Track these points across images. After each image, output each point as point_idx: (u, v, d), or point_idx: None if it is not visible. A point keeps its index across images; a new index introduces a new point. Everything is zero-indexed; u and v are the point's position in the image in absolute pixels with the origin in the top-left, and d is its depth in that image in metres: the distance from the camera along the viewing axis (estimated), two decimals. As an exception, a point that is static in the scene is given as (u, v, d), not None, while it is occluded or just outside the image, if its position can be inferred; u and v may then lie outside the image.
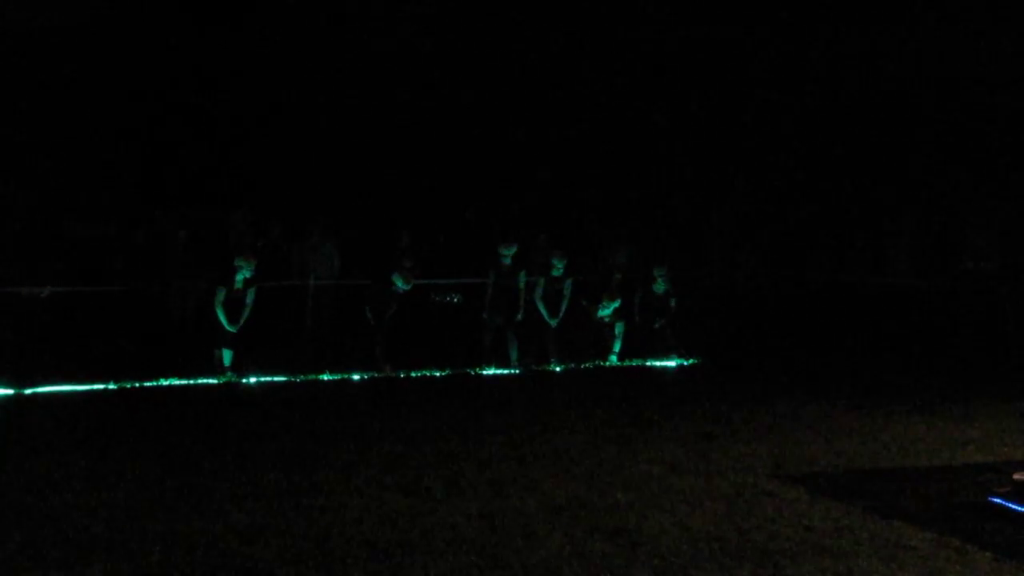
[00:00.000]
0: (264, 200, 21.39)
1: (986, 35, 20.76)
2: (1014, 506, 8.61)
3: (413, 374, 16.15)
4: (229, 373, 15.60)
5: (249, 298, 15.87)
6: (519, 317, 17.18)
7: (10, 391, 14.22)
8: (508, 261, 17.20)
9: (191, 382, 15.17)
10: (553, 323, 17.45)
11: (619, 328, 17.82)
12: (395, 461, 10.42)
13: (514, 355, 17.06)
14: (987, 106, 21.32)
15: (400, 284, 16.38)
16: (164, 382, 15.04)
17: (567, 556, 7.46)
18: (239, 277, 15.79)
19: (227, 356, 15.78)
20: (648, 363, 17.63)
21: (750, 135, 23.56)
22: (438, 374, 16.25)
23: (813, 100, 23.28)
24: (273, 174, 22.97)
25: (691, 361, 17.68)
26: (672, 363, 17.59)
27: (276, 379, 15.53)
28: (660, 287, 18.05)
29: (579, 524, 8.27)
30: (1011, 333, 18.45)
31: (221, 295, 15.74)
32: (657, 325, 18.06)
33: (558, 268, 17.44)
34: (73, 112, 21.96)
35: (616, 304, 17.72)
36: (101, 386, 14.62)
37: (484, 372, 16.60)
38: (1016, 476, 9.00)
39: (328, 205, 21.13)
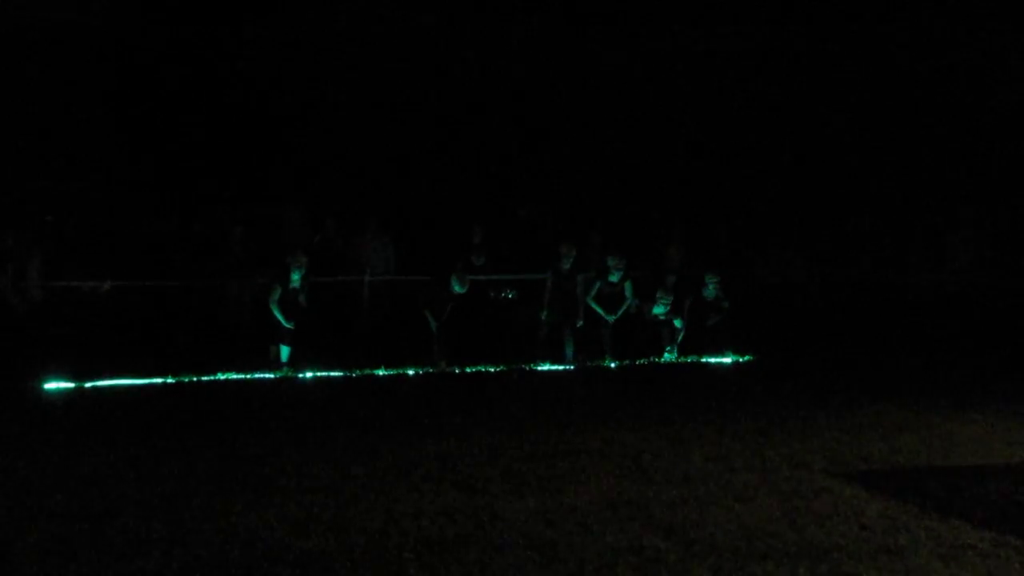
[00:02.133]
0: (320, 196, 21.53)
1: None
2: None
3: (468, 369, 16.19)
4: (286, 368, 15.73)
5: (302, 296, 15.97)
6: (579, 323, 17.22)
7: (71, 385, 14.41)
8: (568, 265, 17.23)
9: (248, 377, 15.30)
10: (611, 319, 17.44)
11: (678, 323, 17.80)
12: (450, 456, 10.47)
13: (569, 352, 17.06)
14: None
15: (456, 287, 16.42)
16: (221, 377, 15.17)
17: (623, 552, 7.47)
18: (294, 276, 15.91)
19: (284, 352, 15.90)
20: (703, 360, 17.58)
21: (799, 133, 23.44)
22: (492, 370, 16.28)
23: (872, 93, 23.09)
24: (329, 169, 23.12)
25: (746, 358, 17.61)
26: (727, 360, 17.53)
27: (332, 374, 15.62)
28: (711, 293, 18.02)
29: (634, 520, 8.28)
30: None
31: (277, 293, 15.85)
32: (710, 323, 18.01)
33: (615, 274, 17.44)
34: (131, 107, 22.21)
35: (669, 300, 17.70)
36: (159, 380, 14.77)
37: (538, 368, 16.63)
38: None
39: (384, 200, 21.25)
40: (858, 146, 23.77)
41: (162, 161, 22.09)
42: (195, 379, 14.93)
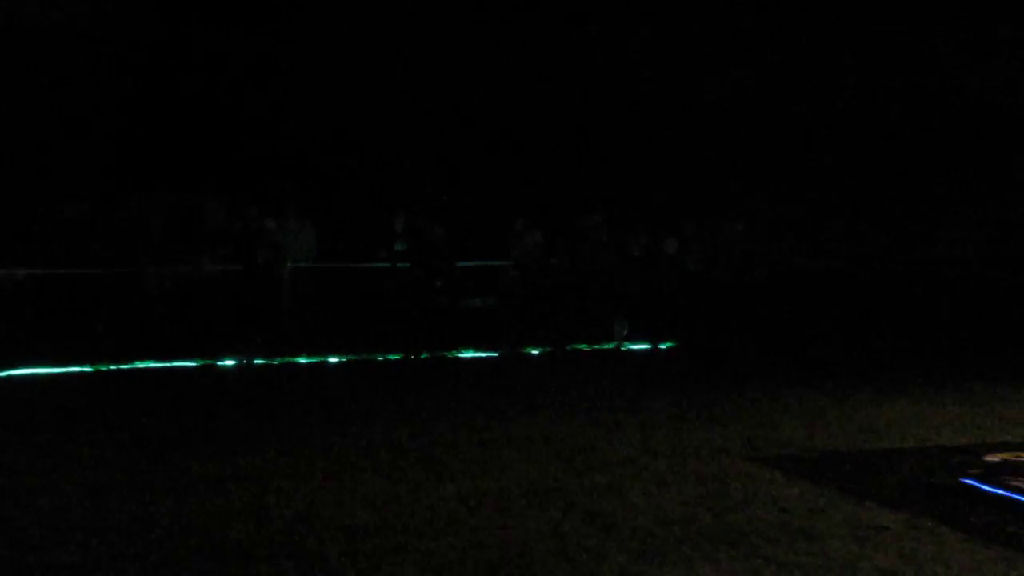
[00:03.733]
0: (241, 183, 21.33)
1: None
2: (986, 487, 8.68)
3: (392, 357, 16.16)
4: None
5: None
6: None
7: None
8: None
9: (167, 365, 15.14)
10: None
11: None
12: (372, 443, 10.44)
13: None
14: None
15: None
16: (140, 365, 15.01)
17: (543, 537, 7.48)
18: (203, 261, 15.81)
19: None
20: (624, 347, 17.66)
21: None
22: (416, 357, 16.26)
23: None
24: (250, 157, 22.89)
25: (668, 345, 17.73)
26: (646, 346, 17.63)
27: (253, 362, 15.51)
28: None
29: (556, 506, 8.29)
30: (992, 317, 18.59)
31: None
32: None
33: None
34: (46, 93, 21.85)
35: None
36: (77, 368, 14.58)
37: (460, 355, 16.62)
38: (988, 458, 9.10)
39: (305, 187, 21.09)
40: (788, 137, 23.96)
41: (80, 147, 21.75)
42: (113, 367, 14.76)
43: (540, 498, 8.51)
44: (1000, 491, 8.55)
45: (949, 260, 21.25)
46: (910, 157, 22.95)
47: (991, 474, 8.84)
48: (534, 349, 17.16)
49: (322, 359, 15.82)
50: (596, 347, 17.65)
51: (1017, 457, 9.05)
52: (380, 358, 16.08)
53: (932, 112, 22.90)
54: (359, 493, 8.63)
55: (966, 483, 8.86)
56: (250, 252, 17.00)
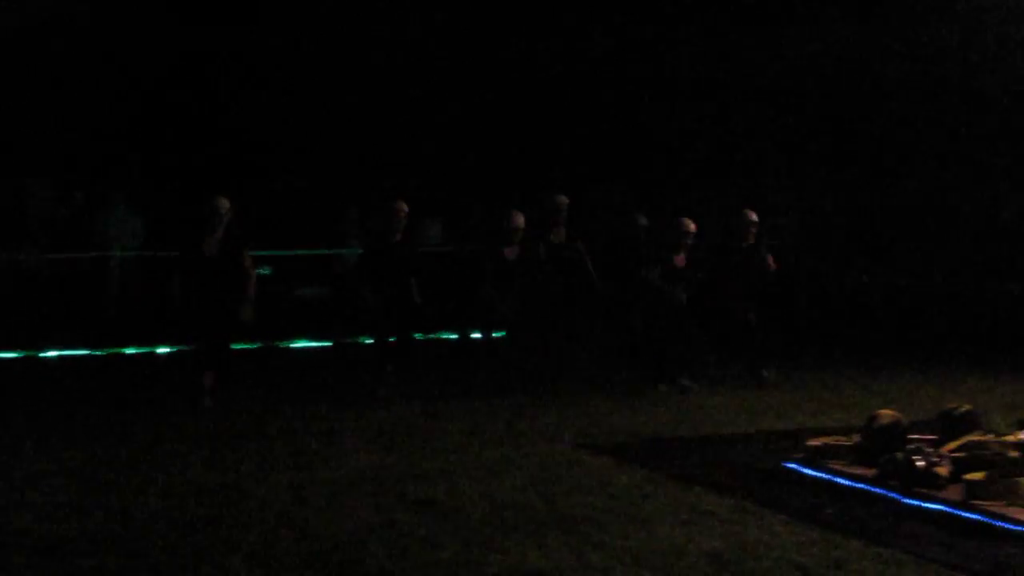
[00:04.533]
0: (67, 168, 20.71)
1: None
2: (807, 471, 8.92)
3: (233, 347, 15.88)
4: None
5: None
6: None
7: None
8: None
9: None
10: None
11: None
12: (200, 434, 10.28)
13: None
14: None
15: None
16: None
17: (375, 527, 7.45)
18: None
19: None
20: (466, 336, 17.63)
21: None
22: (246, 347, 16.04)
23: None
24: (77, 141, 22.23)
25: (502, 334, 17.77)
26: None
27: (77, 352, 15.12)
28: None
29: (387, 495, 8.27)
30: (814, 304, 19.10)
31: None
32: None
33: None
34: None
35: None
36: None
37: (292, 345, 16.44)
38: (809, 443, 9.34)
39: (133, 174, 20.60)
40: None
41: None
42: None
43: (373, 487, 8.47)
44: (821, 474, 8.80)
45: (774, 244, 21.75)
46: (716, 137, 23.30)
47: (812, 458, 9.08)
48: (367, 339, 17.02)
49: (150, 349, 15.49)
50: (437, 336, 17.60)
51: (837, 441, 9.31)
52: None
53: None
54: (186, 485, 8.48)
55: (789, 467, 9.10)
56: (80, 239, 16.56)
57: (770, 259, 13.45)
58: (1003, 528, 7.42)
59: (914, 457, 8.25)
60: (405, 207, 12.73)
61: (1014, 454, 8.52)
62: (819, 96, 22.22)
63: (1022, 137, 19.35)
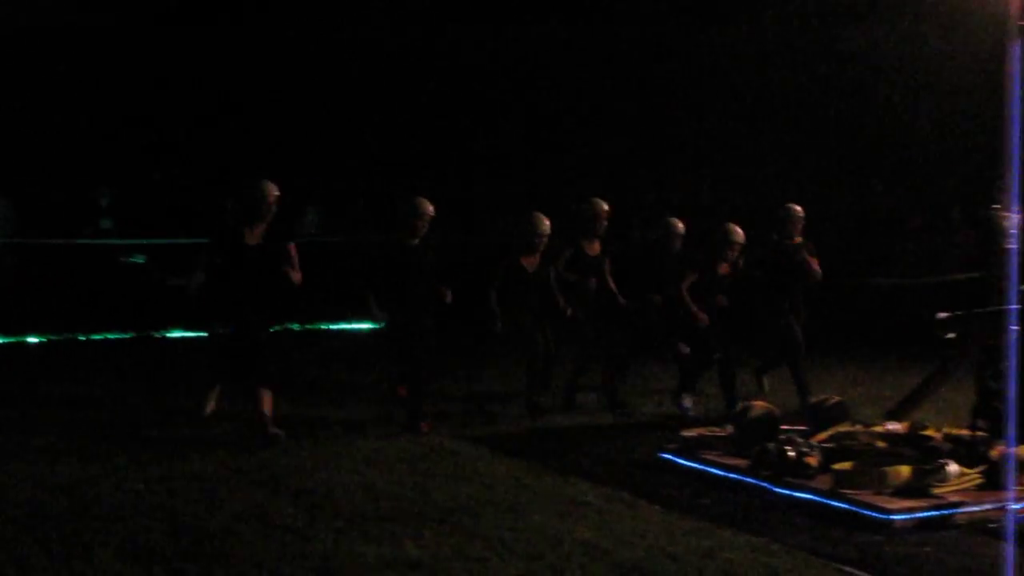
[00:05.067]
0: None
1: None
2: (681, 461, 9.03)
3: (94, 336, 15.61)
4: None
5: None
6: None
7: None
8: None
9: None
10: None
11: None
12: (69, 426, 10.08)
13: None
14: None
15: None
16: None
17: (248, 518, 7.37)
18: None
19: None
20: (335, 326, 17.54)
21: None
22: (118, 337, 15.78)
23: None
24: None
25: (380, 325, 17.69)
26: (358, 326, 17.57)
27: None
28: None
29: (261, 486, 8.19)
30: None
31: None
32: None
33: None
34: None
35: None
36: None
37: (166, 335, 16.19)
38: (684, 433, 9.45)
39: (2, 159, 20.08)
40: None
41: None
42: None
43: (247, 479, 8.39)
44: (695, 464, 8.91)
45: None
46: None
47: (687, 448, 9.19)
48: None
49: (20, 339, 15.14)
50: (314, 326, 17.47)
51: (711, 432, 9.44)
52: (83, 338, 15.49)
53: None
54: (55, 478, 8.30)
55: (664, 457, 9.20)
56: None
57: (815, 260, 12.04)
58: (869, 516, 7.59)
59: (785, 447, 8.39)
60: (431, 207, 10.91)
61: (881, 444, 8.72)
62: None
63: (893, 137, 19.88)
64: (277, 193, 10.08)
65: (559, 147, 23.41)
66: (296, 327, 17.31)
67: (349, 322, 17.72)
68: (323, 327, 17.54)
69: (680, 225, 12.20)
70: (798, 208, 12.05)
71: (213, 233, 10.24)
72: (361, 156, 23.72)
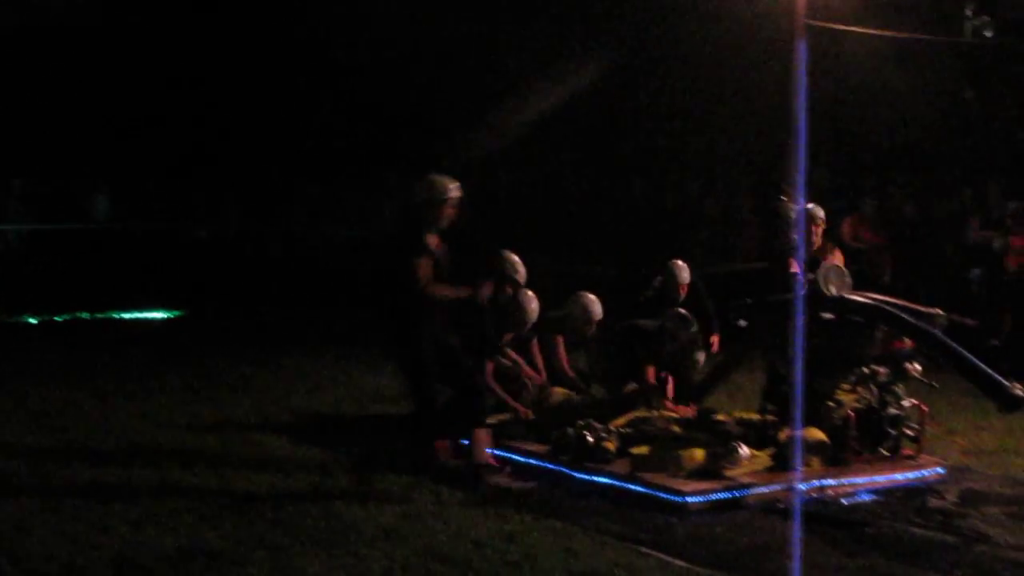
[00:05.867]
0: None
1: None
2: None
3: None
4: None
5: None
6: None
7: None
8: None
9: None
10: None
11: None
12: None
13: None
14: None
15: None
16: None
17: (41, 512, 7.17)
18: None
19: None
20: (125, 315, 17.06)
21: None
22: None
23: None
24: None
25: (175, 313, 17.37)
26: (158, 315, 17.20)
27: None
28: None
29: (54, 479, 7.98)
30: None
31: None
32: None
33: None
34: None
35: None
36: None
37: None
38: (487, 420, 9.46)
39: None
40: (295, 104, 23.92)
41: None
42: None
43: (39, 472, 8.17)
44: (497, 451, 8.95)
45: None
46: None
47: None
48: (32, 318, 16.30)
49: None
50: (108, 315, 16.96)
51: (514, 418, 9.51)
52: None
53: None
54: None
55: (466, 444, 9.24)
56: None
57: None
58: (665, 499, 7.80)
59: (584, 433, 8.55)
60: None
61: (676, 429, 8.96)
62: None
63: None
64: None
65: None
66: (87, 316, 16.82)
67: (143, 311, 17.27)
68: (115, 315, 17.07)
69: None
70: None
71: None
72: (152, 141, 23.15)
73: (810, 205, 9.71)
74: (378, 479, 8.26)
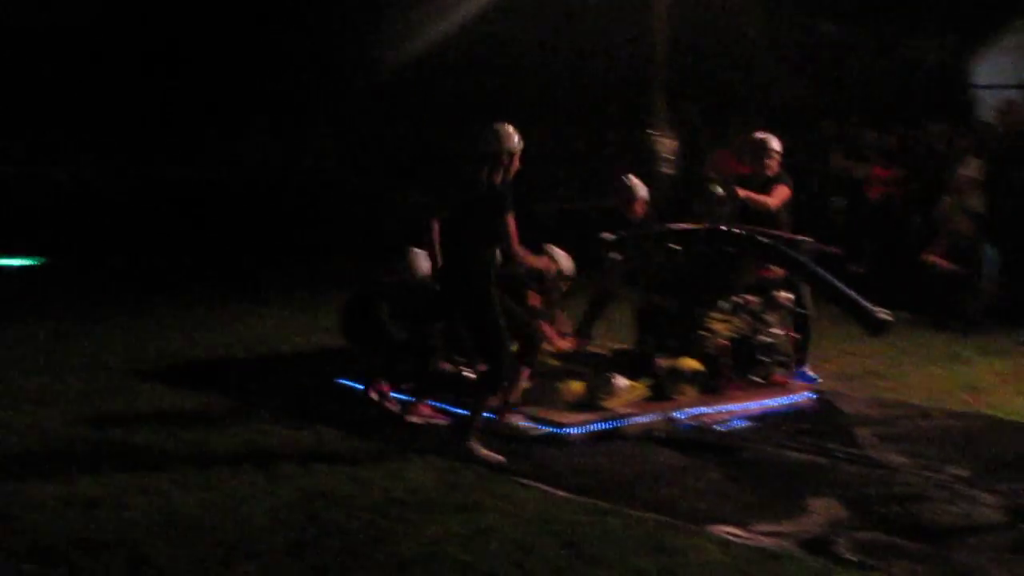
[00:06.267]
0: None
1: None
2: (356, 385, 9.06)
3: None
4: None
5: None
6: None
7: None
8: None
9: None
10: None
11: None
12: None
13: None
14: None
15: None
16: None
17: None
18: None
19: None
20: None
21: None
22: None
23: None
24: None
25: (38, 260, 16.92)
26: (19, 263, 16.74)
27: None
28: None
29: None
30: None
31: None
32: None
33: None
34: None
35: None
36: None
37: None
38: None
39: None
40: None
41: None
42: None
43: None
44: (358, 385, 8.90)
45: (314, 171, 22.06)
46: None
47: (361, 374, 9.17)
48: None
49: None
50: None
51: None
52: None
53: None
54: None
55: (340, 383, 9.22)
56: None
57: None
58: (542, 430, 7.88)
59: (461, 369, 8.57)
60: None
61: (554, 363, 9.04)
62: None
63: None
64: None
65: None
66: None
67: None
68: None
69: None
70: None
71: None
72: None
73: (762, 135, 9.73)
74: (257, 420, 8.20)
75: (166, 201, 20.53)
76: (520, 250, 7.60)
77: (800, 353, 9.54)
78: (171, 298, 13.66)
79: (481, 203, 7.49)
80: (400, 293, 8.80)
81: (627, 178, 9.80)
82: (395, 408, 8.35)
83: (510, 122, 7.56)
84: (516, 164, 7.56)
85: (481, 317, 7.50)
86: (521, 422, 8.02)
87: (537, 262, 8.28)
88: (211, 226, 19.11)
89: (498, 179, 7.50)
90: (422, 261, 8.65)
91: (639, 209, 9.67)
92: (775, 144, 9.65)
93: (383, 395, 8.49)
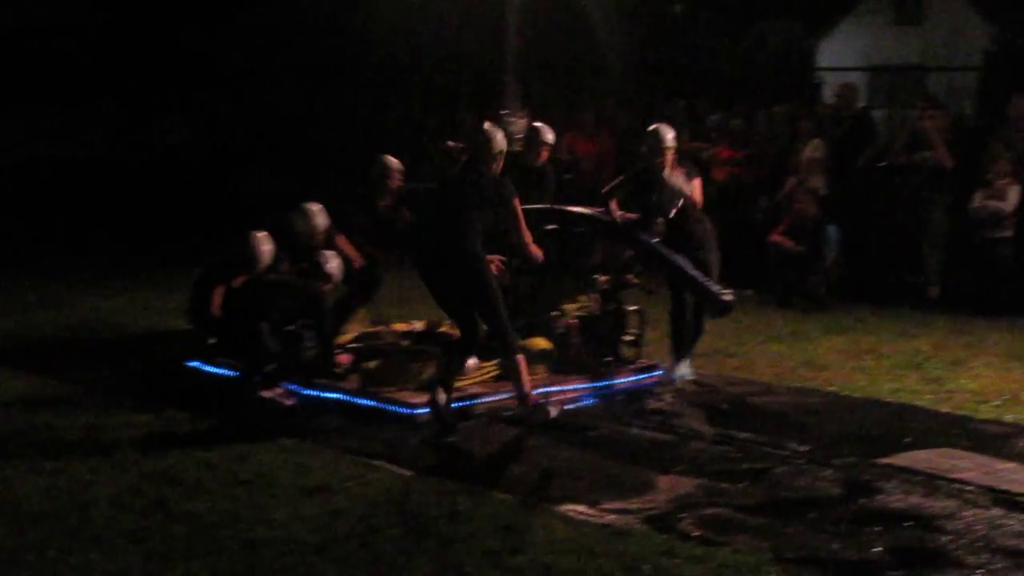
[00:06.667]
0: None
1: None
2: (207, 368, 8.96)
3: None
4: None
5: None
6: None
7: None
8: None
9: None
10: None
11: None
12: None
13: None
14: None
15: None
16: None
17: None
18: None
19: None
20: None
21: None
22: None
23: None
24: None
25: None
26: None
27: None
28: None
29: None
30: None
31: None
32: None
33: None
34: None
35: None
36: None
37: None
38: (211, 341, 9.21)
39: None
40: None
41: None
42: None
43: None
44: (222, 370, 8.85)
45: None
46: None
47: (211, 355, 9.07)
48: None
49: None
50: None
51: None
52: None
53: None
54: None
55: (191, 365, 9.09)
56: None
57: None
58: (396, 412, 7.88)
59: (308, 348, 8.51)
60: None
61: (405, 343, 9.03)
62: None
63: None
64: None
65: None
66: None
67: None
68: None
69: None
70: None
71: None
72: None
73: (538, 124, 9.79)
74: (108, 402, 8.05)
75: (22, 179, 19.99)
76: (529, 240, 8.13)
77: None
78: (14, 275, 13.26)
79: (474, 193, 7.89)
80: (280, 296, 8.62)
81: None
82: (291, 401, 8.23)
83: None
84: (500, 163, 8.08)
85: (479, 298, 7.80)
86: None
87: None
88: (70, 204, 18.59)
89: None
90: (264, 245, 8.65)
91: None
92: (549, 135, 9.75)
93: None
